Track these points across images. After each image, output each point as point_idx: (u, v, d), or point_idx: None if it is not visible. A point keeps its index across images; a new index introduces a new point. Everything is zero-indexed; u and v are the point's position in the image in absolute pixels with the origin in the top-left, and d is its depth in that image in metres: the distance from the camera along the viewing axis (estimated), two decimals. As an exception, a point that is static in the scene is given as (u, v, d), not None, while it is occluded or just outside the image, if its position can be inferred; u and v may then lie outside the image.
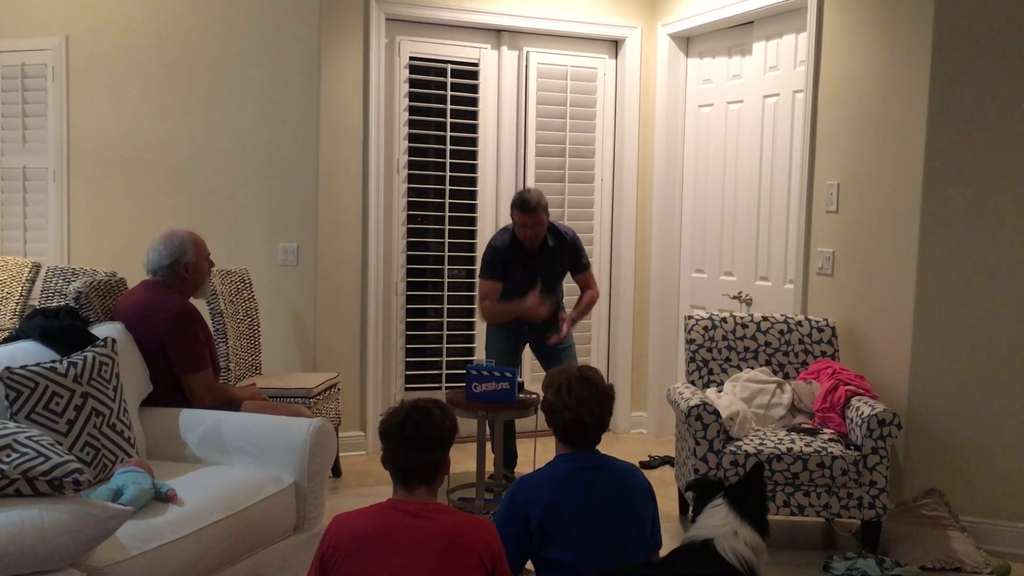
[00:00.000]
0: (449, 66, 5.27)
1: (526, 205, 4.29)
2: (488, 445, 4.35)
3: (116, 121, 5.30)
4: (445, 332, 5.37)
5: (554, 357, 4.58)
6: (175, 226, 3.69)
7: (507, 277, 4.42)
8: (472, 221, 5.40)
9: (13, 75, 5.46)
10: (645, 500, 2.61)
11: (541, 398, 2.71)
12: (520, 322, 4.50)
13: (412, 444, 2.31)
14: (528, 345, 4.68)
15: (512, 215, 4.37)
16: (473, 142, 5.36)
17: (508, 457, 4.66)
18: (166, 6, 5.17)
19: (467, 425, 4.22)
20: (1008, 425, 3.87)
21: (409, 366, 5.32)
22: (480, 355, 5.17)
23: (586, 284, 4.62)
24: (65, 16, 5.35)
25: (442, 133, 5.30)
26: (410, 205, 5.27)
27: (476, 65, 5.33)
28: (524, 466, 4.75)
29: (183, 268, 3.56)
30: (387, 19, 5.05)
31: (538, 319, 4.42)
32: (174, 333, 3.44)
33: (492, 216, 5.43)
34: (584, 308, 4.66)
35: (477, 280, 4.66)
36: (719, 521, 2.47)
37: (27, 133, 5.48)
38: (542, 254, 4.45)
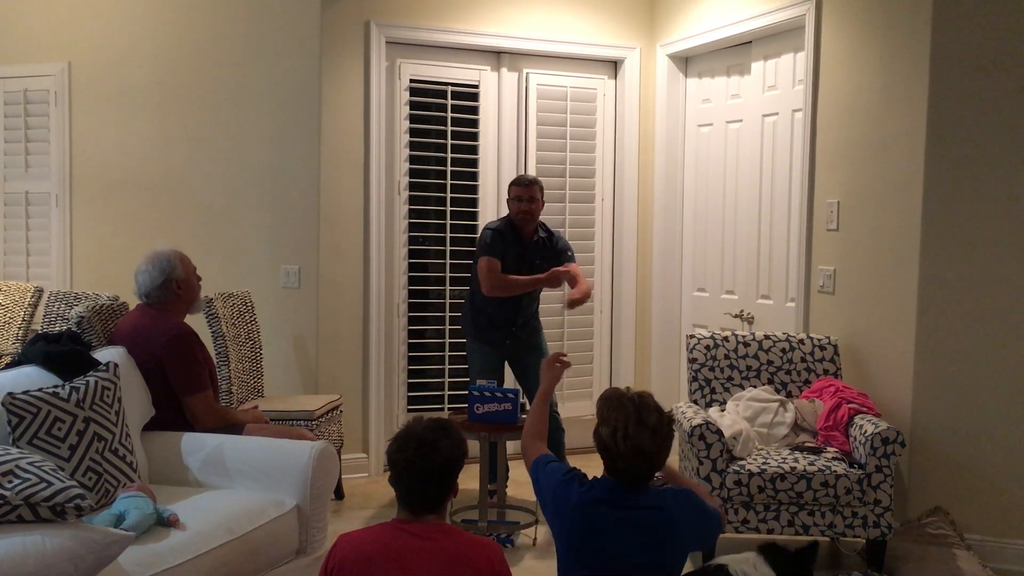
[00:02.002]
0: (449, 88, 5.29)
1: (523, 179, 4.55)
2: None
3: (118, 146, 5.33)
4: (447, 353, 5.36)
5: (531, 371, 4.59)
6: (158, 247, 3.65)
7: (501, 260, 4.49)
8: (473, 243, 5.40)
9: (16, 100, 5.49)
10: (676, 549, 2.48)
11: (594, 427, 2.50)
12: (503, 335, 4.55)
13: (419, 478, 2.31)
14: (507, 361, 4.71)
15: (509, 191, 4.57)
16: (474, 163, 5.38)
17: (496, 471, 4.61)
18: (168, 32, 5.20)
19: (470, 447, 4.21)
20: (1013, 442, 3.86)
21: (411, 387, 5.31)
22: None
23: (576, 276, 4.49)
24: (68, 42, 5.39)
25: (443, 155, 5.32)
26: (411, 227, 5.28)
27: (476, 87, 5.36)
28: (520, 487, 4.74)
29: (175, 285, 3.56)
30: (387, 42, 5.08)
31: (558, 285, 4.55)
32: (173, 354, 3.44)
33: (493, 237, 5.44)
34: (583, 284, 4.45)
35: (474, 261, 4.59)
36: (742, 556, 2.46)
37: (30, 158, 5.51)
38: (535, 244, 4.55)
